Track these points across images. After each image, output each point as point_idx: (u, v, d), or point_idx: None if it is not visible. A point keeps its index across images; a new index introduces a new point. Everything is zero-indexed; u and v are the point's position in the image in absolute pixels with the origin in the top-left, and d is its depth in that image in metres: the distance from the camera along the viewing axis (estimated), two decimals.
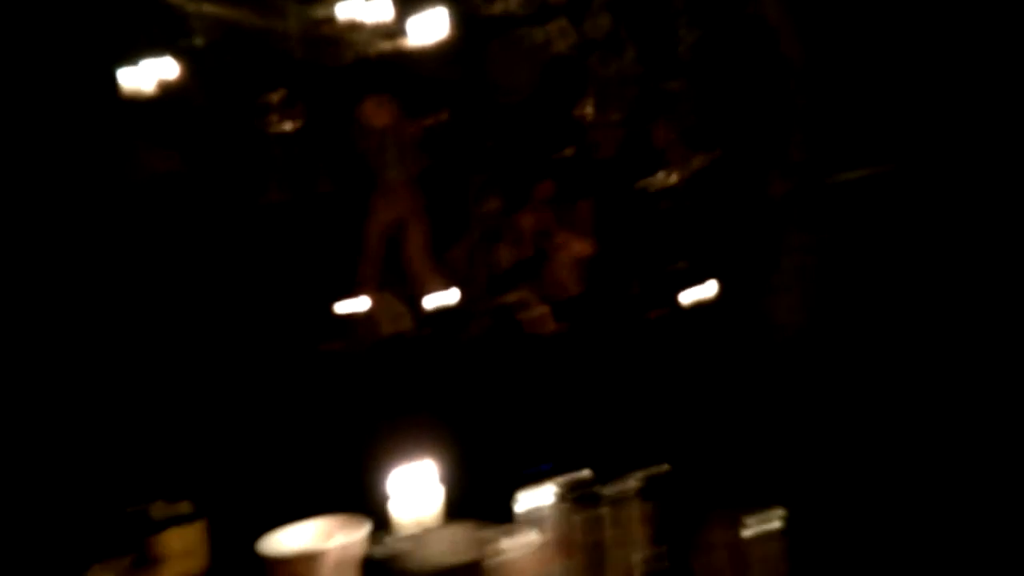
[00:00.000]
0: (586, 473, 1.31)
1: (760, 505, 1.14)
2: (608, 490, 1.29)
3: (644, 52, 4.35)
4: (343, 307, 4.92)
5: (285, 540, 1.26)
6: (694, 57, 4.43)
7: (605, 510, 1.30)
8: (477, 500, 1.36)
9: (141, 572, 1.20)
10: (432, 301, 5.11)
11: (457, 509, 1.41)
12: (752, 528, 1.15)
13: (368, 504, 1.35)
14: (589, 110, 5.48)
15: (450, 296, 5.14)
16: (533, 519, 1.33)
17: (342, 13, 3.39)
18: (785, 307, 1.48)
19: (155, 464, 2.73)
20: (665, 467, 1.33)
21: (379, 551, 1.15)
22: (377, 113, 4.95)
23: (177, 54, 3.96)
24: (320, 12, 3.34)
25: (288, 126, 4.92)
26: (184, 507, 1.32)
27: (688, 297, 4.81)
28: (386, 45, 3.21)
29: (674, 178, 5.19)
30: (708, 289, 4.75)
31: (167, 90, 3.87)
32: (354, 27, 3.43)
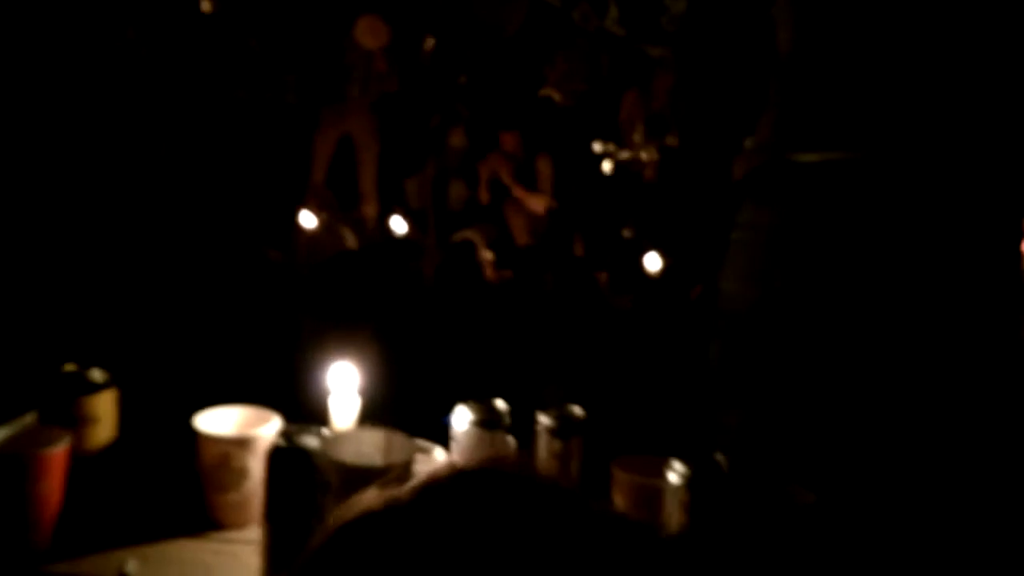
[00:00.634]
0: (501, 403, 1.34)
1: (670, 455, 1.18)
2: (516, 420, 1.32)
3: (628, 15, 4.34)
4: (302, 219, 4.91)
5: (209, 421, 1.28)
6: (677, 27, 4.43)
7: (511, 439, 1.33)
8: (396, 416, 1.38)
9: (48, 432, 1.20)
10: (388, 226, 5.13)
11: (374, 421, 1.43)
12: (656, 475, 1.19)
13: (285, 401, 1.36)
14: (560, 65, 5.47)
15: (399, 224, 5.14)
16: (445, 440, 1.36)
17: None
18: (731, 279, 1.53)
19: (83, 332, 2.73)
20: (578, 409, 1.36)
21: (289, 442, 1.17)
22: (370, 33, 4.94)
23: None
24: None
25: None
26: (99, 374, 1.32)
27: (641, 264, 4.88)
28: None
29: (624, 154, 5.23)
30: (653, 260, 4.81)
31: None
32: None
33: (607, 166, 5.43)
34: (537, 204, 5.46)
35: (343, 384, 1.36)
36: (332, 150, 5.28)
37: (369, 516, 0.49)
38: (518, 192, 5.46)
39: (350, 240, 5.10)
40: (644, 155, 5.39)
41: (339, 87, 5.19)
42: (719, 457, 1.11)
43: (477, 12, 5.47)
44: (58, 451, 1.17)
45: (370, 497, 0.51)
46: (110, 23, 4.62)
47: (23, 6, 4.15)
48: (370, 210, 5.29)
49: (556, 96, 5.44)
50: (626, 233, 5.27)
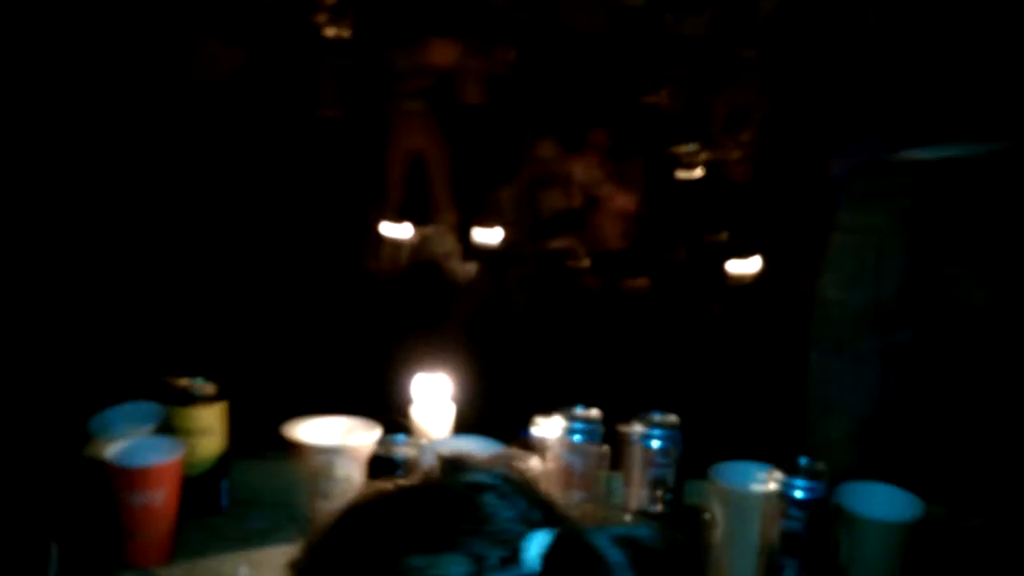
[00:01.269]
0: (595, 412, 1.34)
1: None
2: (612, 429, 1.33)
3: (720, 16, 4.29)
4: (386, 230, 5.00)
5: (309, 431, 1.32)
6: (770, 27, 4.35)
7: (605, 447, 1.33)
8: (487, 423, 1.41)
9: (165, 443, 1.26)
10: (479, 237, 5.17)
11: (466, 429, 1.45)
12: (753, 483, 1.18)
13: (381, 410, 1.40)
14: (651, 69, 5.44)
15: (493, 235, 5.17)
16: (539, 447, 1.37)
17: None
18: (835, 285, 1.47)
19: (188, 346, 2.83)
20: (673, 418, 1.35)
21: (388, 451, 1.20)
22: (441, 53, 5.01)
23: None
24: None
25: (335, 31, 4.96)
26: (209, 387, 1.37)
27: (733, 269, 4.81)
28: None
29: (704, 155, 5.17)
30: (752, 263, 4.73)
31: None
32: None
33: (693, 169, 5.38)
34: (627, 202, 5.44)
35: (436, 394, 1.38)
36: (405, 164, 5.36)
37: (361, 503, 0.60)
38: (607, 189, 5.45)
39: (442, 247, 5.15)
40: (732, 155, 5.32)
41: (403, 101, 5.27)
42: (820, 466, 1.09)
43: (564, 20, 5.49)
44: (173, 463, 1.22)
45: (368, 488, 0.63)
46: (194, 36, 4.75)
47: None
48: (449, 220, 5.34)
49: (664, 101, 5.41)
50: (720, 237, 5.21)
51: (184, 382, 1.39)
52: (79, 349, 2.66)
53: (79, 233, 3.63)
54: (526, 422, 1.36)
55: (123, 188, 4.17)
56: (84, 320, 2.99)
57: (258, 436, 1.42)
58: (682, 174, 5.57)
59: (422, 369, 1.44)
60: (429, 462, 1.10)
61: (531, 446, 1.33)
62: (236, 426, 1.41)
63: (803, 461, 1.11)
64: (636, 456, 1.33)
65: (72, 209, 3.71)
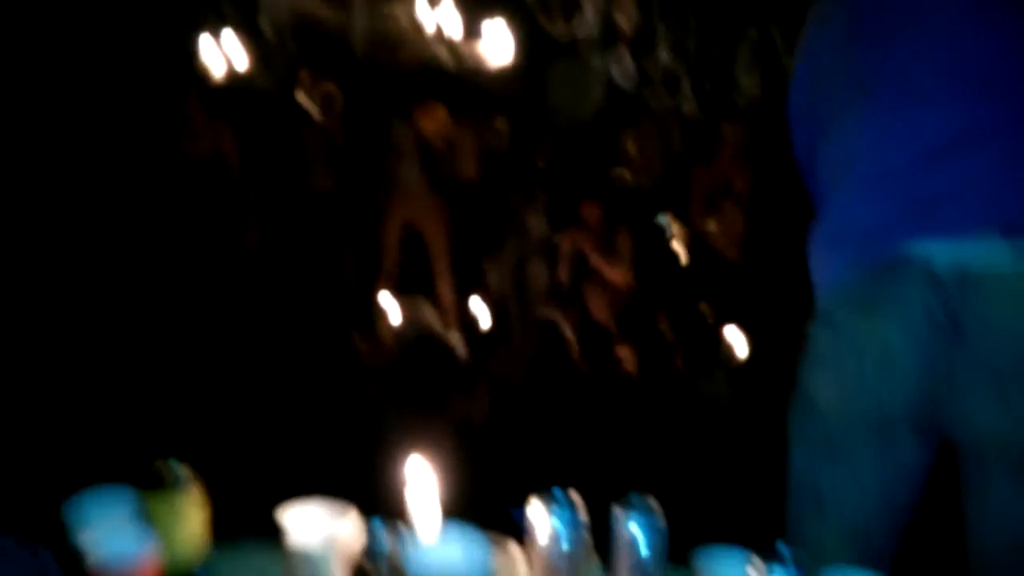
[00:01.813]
0: (577, 497, 1.33)
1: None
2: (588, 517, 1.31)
3: (701, 93, 4.38)
4: (383, 301, 4.99)
5: (291, 519, 1.29)
6: (751, 105, 4.45)
7: (588, 533, 1.32)
8: (478, 505, 1.39)
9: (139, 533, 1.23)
10: (469, 310, 5.17)
11: (456, 511, 1.43)
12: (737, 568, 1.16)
13: (369, 495, 1.38)
14: (633, 144, 5.52)
15: (481, 308, 5.17)
16: (528, 530, 1.36)
17: (407, 15, 3.44)
18: (821, 384, 1.39)
19: (166, 427, 2.80)
20: (654, 503, 1.34)
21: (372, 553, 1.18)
22: (430, 120, 5.06)
23: (245, 36, 4.04)
24: (386, 11, 3.40)
25: (316, 106, 5.02)
26: (187, 471, 1.35)
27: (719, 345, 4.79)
28: (446, 54, 3.26)
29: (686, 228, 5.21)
30: (738, 340, 4.71)
31: (231, 69, 3.96)
32: (418, 30, 3.48)
33: (677, 241, 5.42)
34: (617, 276, 5.45)
35: (422, 479, 1.36)
36: (400, 235, 5.37)
37: None
38: (598, 262, 5.46)
39: (433, 322, 5.13)
40: (710, 228, 5.36)
41: (399, 173, 5.31)
42: (801, 555, 1.08)
43: (554, 100, 5.57)
44: (147, 561, 1.19)
45: None
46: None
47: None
48: (446, 292, 5.34)
49: (627, 175, 5.48)
50: (705, 311, 5.22)
51: (161, 466, 1.37)
52: (51, 430, 2.63)
53: (57, 305, 3.63)
54: (518, 502, 1.34)
55: (108, 262, 4.17)
56: (57, 399, 2.96)
57: (239, 523, 1.39)
58: (668, 247, 5.61)
59: (412, 449, 1.43)
60: (414, 554, 1.09)
61: (520, 529, 1.32)
62: (216, 513, 1.39)
63: (783, 549, 1.10)
64: (618, 542, 1.31)
65: (53, 284, 3.71)
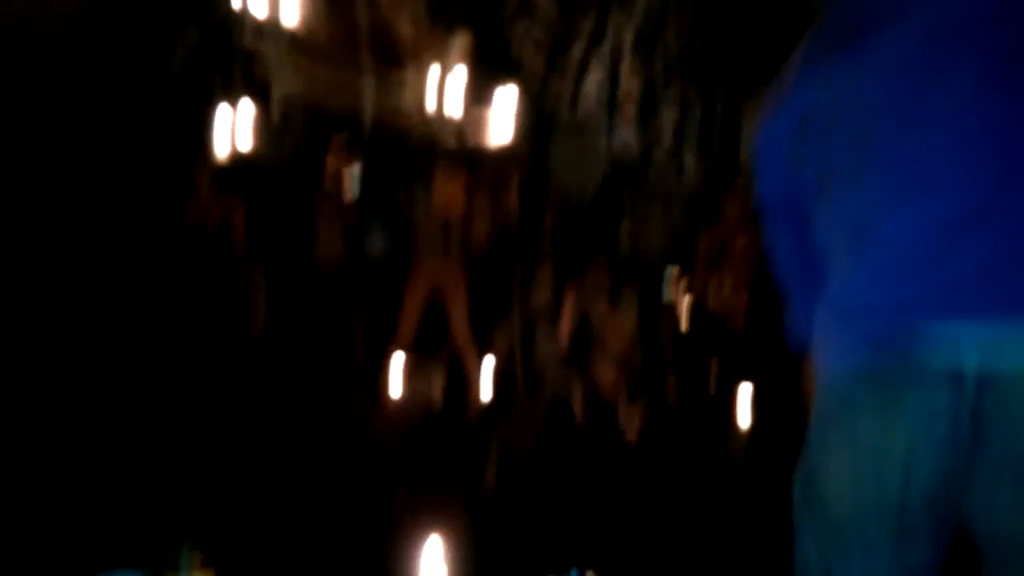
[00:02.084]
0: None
1: None
2: None
3: (704, 166, 4.43)
4: (394, 370, 4.98)
5: None
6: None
7: None
8: None
9: None
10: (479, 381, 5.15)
11: None
12: None
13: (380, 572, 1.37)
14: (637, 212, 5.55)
15: (489, 380, 5.16)
16: None
17: (415, 96, 3.52)
18: (831, 479, 1.30)
19: (177, 510, 2.77)
20: None
21: None
22: (448, 194, 5.09)
23: (258, 112, 4.12)
24: (395, 96, 3.47)
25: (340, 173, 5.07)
26: (197, 555, 1.35)
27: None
28: (452, 138, 3.33)
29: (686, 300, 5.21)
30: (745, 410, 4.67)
31: (240, 145, 4.03)
32: (425, 109, 3.56)
33: (682, 306, 5.42)
34: (623, 341, 5.44)
35: (436, 562, 1.36)
36: (422, 303, 5.36)
37: None
38: (605, 328, 5.46)
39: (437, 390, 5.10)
40: (717, 289, 5.36)
41: (420, 245, 5.32)
42: None
43: (557, 173, 5.63)
44: None
45: None
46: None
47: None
48: (469, 359, 5.31)
49: (632, 242, 5.51)
50: (711, 377, 5.20)
51: (172, 549, 1.37)
52: (66, 512, 2.63)
53: (67, 383, 3.63)
54: None
55: (117, 338, 4.18)
56: (71, 481, 2.95)
57: None
58: (674, 311, 5.61)
59: (425, 525, 1.42)
60: None
61: None
62: None
63: None
64: None
65: (61, 359, 3.71)
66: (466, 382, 5.17)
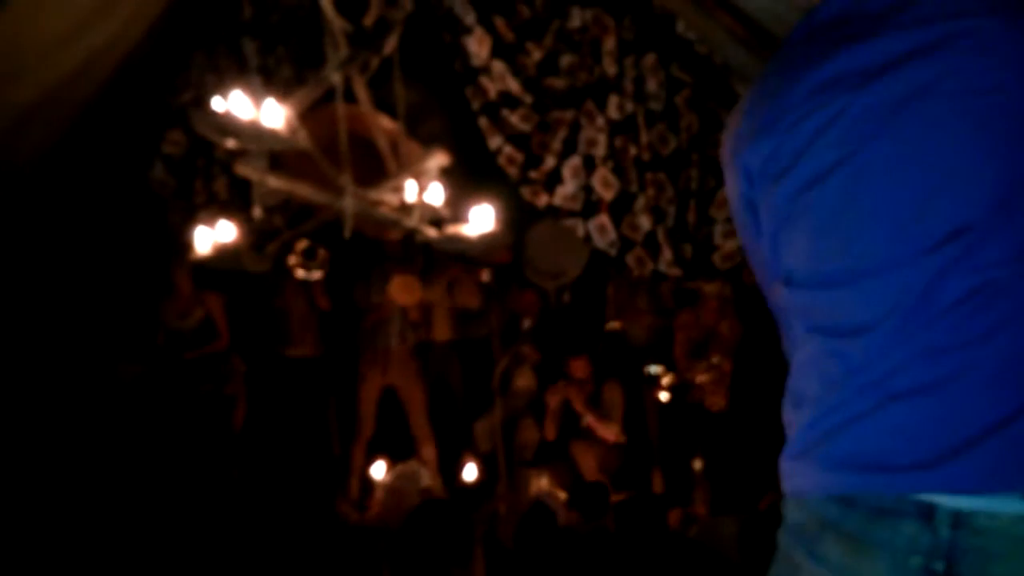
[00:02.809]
0: None
1: None
2: None
3: (680, 255, 4.49)
4: (373, 471, 4.99)
5: None
6: (729, 263, 4.56)
7: None
8: None
9: None
10: (464, 475, 5.16)
11: None
12: None
13: None
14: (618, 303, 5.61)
15: (469, 471, 5.15)
16: None
17: (396, 197, 3.55)
18: None
19: None
20: None
21: None
22: (404, 292, 5.17)
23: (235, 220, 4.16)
24: (374, 194, 3.52)
25: (309, 274, 5.14)
26: None
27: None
28: (432, 232, 3.36)
29: (668, 379, 5.25)
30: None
31: (222, 253, 4.06)
32: (406, 210, 3.58)
33: (663, 395, 5.44)
34: (608, 432, 5.45)
35: None
36: (377, 401, 5.40)
37: None
38: (590, 419, 5.47)
39: (419, 484, 5.10)
40: (698, 378, 5.39)
41: (371, 341, 5.38)
42: None
43: (535, 264, 5.68)
44: None
45: None
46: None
47: None
48: (428, 454, 5.33)
49: (616, 325, 5.55)
50: (696, 465, 5.21)
51: None
52: None
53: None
54: None
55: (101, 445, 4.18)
56: None
57: None
58: (657, 400, 5.63)
59: None
60: None
61: None
62: None
63: None
64: None
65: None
66: (432, 477, 5.18)
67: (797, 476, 1.25)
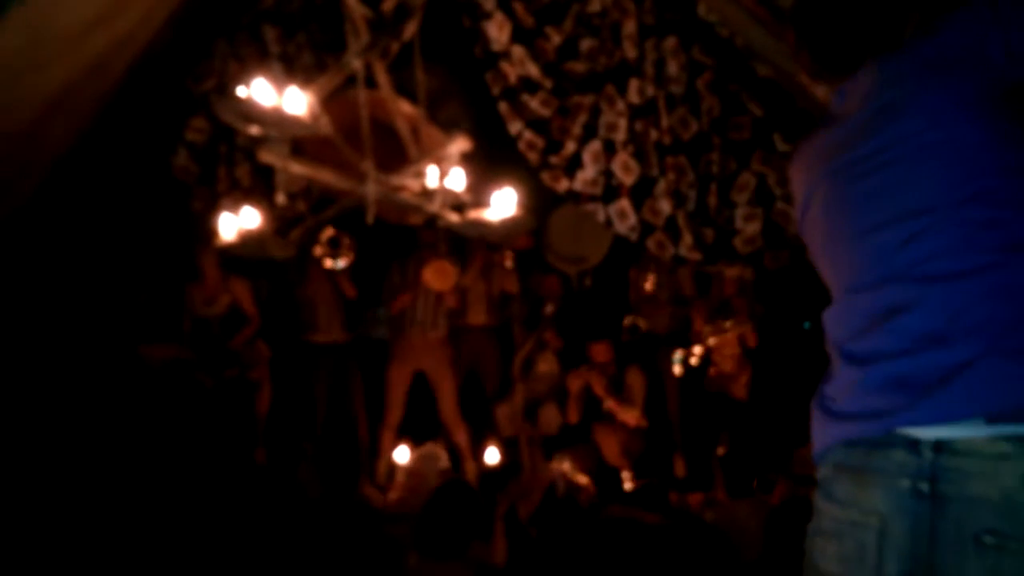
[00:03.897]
0: None
1: None
2: None
3: (701, 239, 4.48)
4: (397, 456, 5.01)
5: None
6: (750, 247, 4.54)
7: None
8: None
9: None
10: (487, 458, 5.17)
11: None
12: None
13: None
14: (648, 286, 5.59)
15: (492, 455, 5.17)
16: None
17: (417, 182, 3.56)
18: (827, 558, 1.53)
19: None
20: None
21: None
22: (439, 277, 5.15)
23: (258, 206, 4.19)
24: (396, 180, 3.54)
25: (337, 263, 5.15)
26: None
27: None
28: (454, 217, 3.38)
29: (694, 358, 5.24)
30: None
31: (246, 239, 4.09)
32: (427, 195, 3.60)
33: (677, 368, 5.41)
34: (629, 417, 5.44)
35: None
36: (407, 386, 5.41)
37: None
38: (611, 404, 5.46)
39: (444, 461, 5.12)
40: (711, 341, 5.37)
41: (405, 326, 5.38)
42: None
43: (557, 248, 5.69)
44: None
45: None
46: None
47: None
48: (460, 439, 5.34)
49: (641, 324, 5.53)
50: (720, 451, 5.20)
51: None
52: None
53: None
54: None
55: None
56: None
57: None
58: (676, 380, 5.62)
59: None
60: None
61: None
62: None
63: None
64: None
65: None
66: (462, 460, 5.20)
67: (818, 436, 1.53)
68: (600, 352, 5.54)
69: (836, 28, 1.59)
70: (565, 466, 4.90)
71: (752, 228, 4.57)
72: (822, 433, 1.51)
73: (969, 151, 1.38)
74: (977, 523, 1.28)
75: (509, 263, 5.50)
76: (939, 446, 1.32)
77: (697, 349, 5.35)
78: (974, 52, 1.38)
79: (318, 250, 5.11)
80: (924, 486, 1.33)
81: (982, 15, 1.38)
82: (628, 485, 4.99)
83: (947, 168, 1.39)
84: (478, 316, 5.63)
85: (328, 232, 5.09)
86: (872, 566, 1.38)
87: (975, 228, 1.36)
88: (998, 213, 1.35)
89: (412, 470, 5.05)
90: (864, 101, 1.51)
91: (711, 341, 5.28)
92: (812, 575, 1.49)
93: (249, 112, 2.85)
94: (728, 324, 5.29)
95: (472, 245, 5.45)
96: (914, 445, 1.34)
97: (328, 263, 5.12)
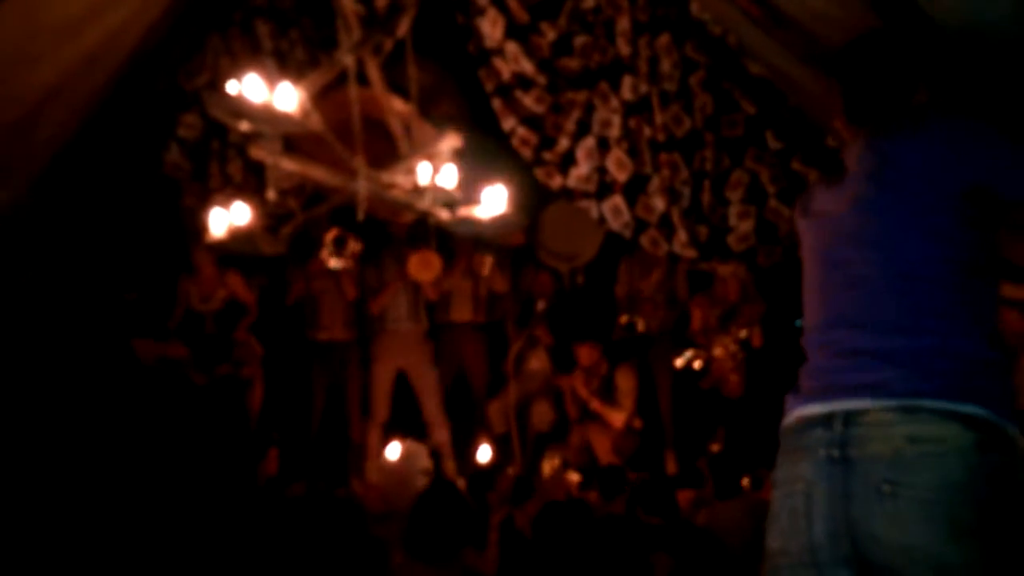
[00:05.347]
0: None
1: None
2: None
3: (695, 236, 4.48)
4: (388, 452, 5.00)
5: None
6: (744, 244, 4.54)
7: None
8: None
9: None
10: (479, 456, 5.16)
11: None
12: None
13: None
14: (645, 285, 5.58)
15: (483, 453, 5.17)
16: None
17: (408, 179, 3.55)
18: (774, 536, 1.64)
19: None
20: None
21: None
22: (423, 268, 5.14)
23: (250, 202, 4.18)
24: (387, 177, 3.53)
25: (338, 263, 5.14)
26: None
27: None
28: (445, 214, 3.37)
29: (698, 363, 5.23)
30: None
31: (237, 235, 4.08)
32: (419, 192, 3.59)
33: (679, 361, 5.39)
34: (615, 418, 5.44)
35: None
36: (391, 383, 5.39)
37: None
38: (596, 406, 5.46)
39: (425, 460, 5.10)
40: (717, 351, 5.36)
41: (386, 321, 5.36)
42: None
43: (549, 245, 5.68)
44: None
45: None
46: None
47: None
48: (441, 438, 5.33)
49: (639, 322, 5.52)
50: (714, 448, 5.21)
51: None
52: None
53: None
54: None
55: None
56: None
57: None
58: (671, 379, 5.61)
59: None
60: None
61: None
62: None
63: None
64: None
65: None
66: (444, 459, 5.18)
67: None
68: (584, 354, 5.52)
69: (859, 81, 1.83)
70: (556, 463, 4.91)
71: (745, 225, 4.57)
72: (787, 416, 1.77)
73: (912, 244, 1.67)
74: (877, 476, 1.53)
75: (486, 271, 5.45)
76: (847, 419, 1.58)
77: (698, 363, 5.34)
78: (938, 168, 1.65)
79: (324, 252, 5.08)
80: (836, 452, 1.58)
81: (956, 137, 1.66)
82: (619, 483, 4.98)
83: (888, 257, 1.69)
84: (463, 312, 5.61)
85: (333, 233, 5.07)
86: (803, 529, 1.61)
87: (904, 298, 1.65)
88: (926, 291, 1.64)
89: (392, 468, 5.03)
90: (855, 165, 1.77)
91: (717, 351, 5.27)
92: (767, 561, 1.71)
93: (240, 108, 2.85)
94: (742, 334, 5.27)
95: (457, 246, 5.43)
96: (829, 420, 1.61)
97: (333, 263, 5.09)
